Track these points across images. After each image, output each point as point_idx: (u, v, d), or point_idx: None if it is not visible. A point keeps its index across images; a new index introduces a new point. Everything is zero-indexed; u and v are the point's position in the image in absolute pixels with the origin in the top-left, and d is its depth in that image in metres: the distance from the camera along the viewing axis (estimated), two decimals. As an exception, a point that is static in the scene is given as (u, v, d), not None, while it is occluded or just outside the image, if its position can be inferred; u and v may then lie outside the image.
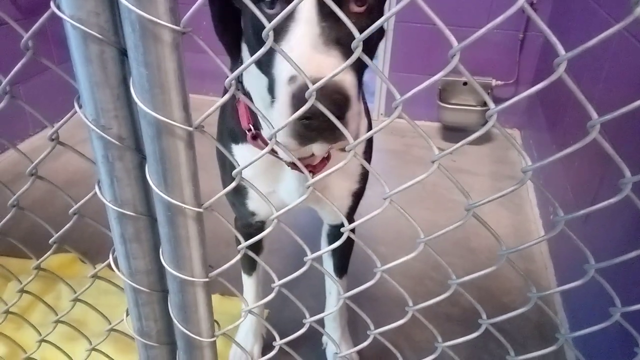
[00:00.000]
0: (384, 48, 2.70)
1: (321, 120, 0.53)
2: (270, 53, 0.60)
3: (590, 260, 0.45)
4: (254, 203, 1.03)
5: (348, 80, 0.56)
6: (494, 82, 2.62)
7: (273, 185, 0.97)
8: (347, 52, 0.58)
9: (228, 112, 0.96)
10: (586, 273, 0.46)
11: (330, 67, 0.55)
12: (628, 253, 0.43)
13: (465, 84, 2.68)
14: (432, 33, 2.58)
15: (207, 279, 0.55)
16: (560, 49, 0.34)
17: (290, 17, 0.59)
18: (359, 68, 0.66)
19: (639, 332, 0.49)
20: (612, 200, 0.39)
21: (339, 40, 0.57)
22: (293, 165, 0.89)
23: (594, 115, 0.37)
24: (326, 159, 0.89)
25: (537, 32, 2.50)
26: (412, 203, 2.14)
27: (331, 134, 0.57)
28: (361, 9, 0.64)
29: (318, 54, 0.56)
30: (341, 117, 0.55)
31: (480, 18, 2.48)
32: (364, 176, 1.04)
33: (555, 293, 1.64)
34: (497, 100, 2.68)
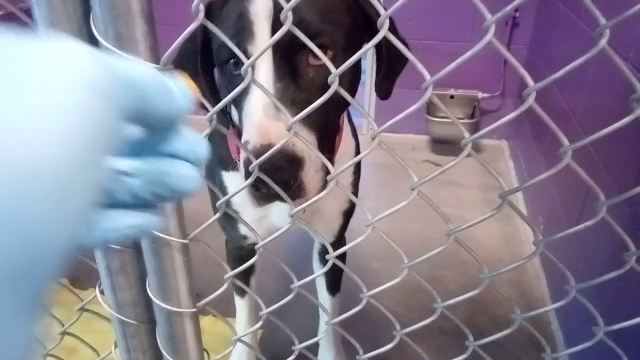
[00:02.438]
0: (372, 63, 2.73)
1: (270, 187, 0.52)
2: (241, 102, 0.62)
3: (571, 281, 0.46)
4: (245, 228, 1.03)
5: (298, 144, 0.57)
6: (480, 95, 2.65)
7: (264, 210, 0.97)
8: (306, 117, 0.59)
9: (217, 139, 0.96)
10: (567, 293, 0.46)
11: (276, 133, 0.55)
12: (616, 265, 0.44)
13: (452, 97, 2.71)
14: (419, 48, 2.61)
15: (194, 309, 0.55)
16: (529, 81, 0.35)
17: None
18: (335, 106, 0.66)
19: (629, 348, 0.50)
20: (588, 224, 0.40)
21: (294, 100, 0.57)
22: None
23: (565, 142, 0.38)
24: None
25: (520, 45, 2.54)
26: (403, 216, 2.14)
27: (292, 194, 0.57)
28: (320, 62, 0.62)
29: (267, 119, 0.57)
30: (294, 180, 0.56)
31: (464, 32, 2.52)
32: (355, 195, 1.05)
33: (547, 299, 1.65)
34: (484, 112, 2.71)
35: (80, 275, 1.62)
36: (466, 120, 2.63)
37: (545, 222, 1.87)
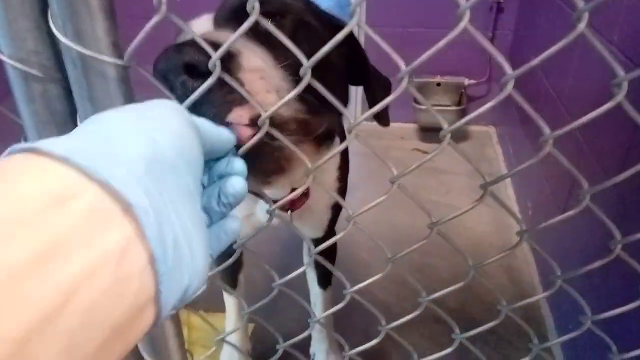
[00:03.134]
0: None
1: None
2: None
3: (557, 271, 0.45)
4: None
5: (245, 53, 0.48)
6: (466, 82, 2.64)
7: (251, 208, 0.96)
8: None
9: None
10: (553, 284, 0.46)
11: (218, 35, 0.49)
12: (602, 253, 0.43)
13: (438, 84, 2.70)
14: (403, 36, 2.59)
15: (174, 311, 0.53)
16: (507, 68, 0.34)
17: None
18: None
19: (616, 336, 0.49)
20: (570, 213, 0.39)
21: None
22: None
23: (546, 130, 0.37)
24: (305, 196, 0.88)
25: (506, 30, 2.53)
26: (391, 205, 2.12)
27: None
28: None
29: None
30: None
31: (448, 18, 2.50)
32: (342, 189, 1.04)
33: (539, 288, 1.66)
34: (471, 99, 2.71)
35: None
36: (453, 108, 2.63)
37: (534, 208, 1.87)
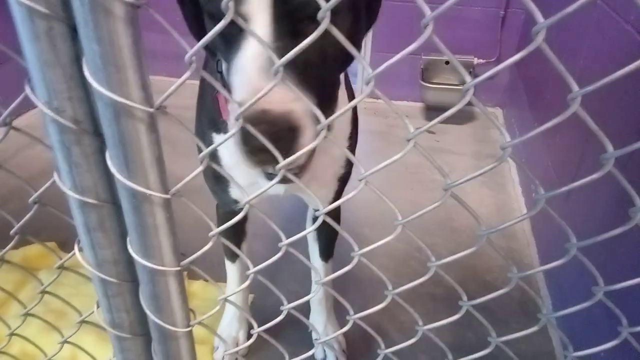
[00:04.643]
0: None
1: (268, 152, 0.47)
2: (232, 56, 0.56)
3: (572, 239, 0.44)
4: (236, 191, 1.01)
5: (298, 110, 0.51)
6: (475, 61, 2.60)
7: (255, 176, 0.95)
8: (304, 77, 0.53)
9: (208, 99, 0.92)
10: (568, 252, 0.44)
11: (277, 98, 0.49)
12: (611, 230, 0.42)
13: (447, 62, 2.65)
14: (413, 11, 2.54)
15: (178, 268, 0.53)
16: (539, 17, 0.32)
17: (243, 32, 0.54)
18: (334, 62, 0.61)
19: (622, 311, 0.48)
20: (594, 176, 0.38)
21: (296, 63, 0.45)
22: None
23: (575, 87, 0.35)
24: (309, 159, 0.87)
25: (518, 9, 2.48)
26: (395, 184, 2.13)
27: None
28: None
29: (264, 82, 0.50)
30: (291, 147, 0.51)
31: (461, -5, 2.45)
32: (349, 160, 1.02)
33: (538, 266, 1.65)
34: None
35: (67, 239, 1.60)
36: (461, 87, 2.59)
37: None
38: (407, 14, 2.55)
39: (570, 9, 0.31)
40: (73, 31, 0.41)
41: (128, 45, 0.39)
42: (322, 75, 0.58)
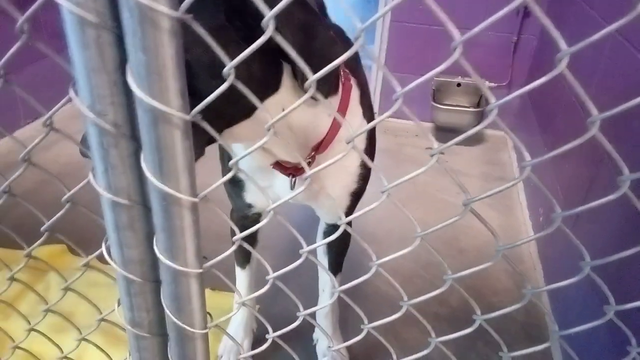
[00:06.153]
0: (379, 48, 2.70)
1: None
2: None
3: (586, 258, 0.45)
4: (251, 195, 1.03)
5: None
6: (487, 84, 2.63)
7: (270, 180, 0.97)
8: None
9: None
10: (580, 271, 0.46)
11: None
12: (616, 252, 0.43)
13: (459, 85, 2.69)
14: (428, 33, 2.58)
15: (200, 270, 0.54)
16: (563, 44, 0.34)
17: None
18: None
19: (630, 331, 0.50)
20: (611, 197, 0.39)
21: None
22: (275, 165, 0.90)
23: (594, 111, 0.37)
24: (309, 165, 0.88)
25: (530, 35, 2.52)
26: (403, 202, 2.15)
27: None
28: None
29: None
30: None
31: (476, 19, 2.48)
32: (364, 176, 1.02)
33: (544, 295, 1.65)
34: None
35: (80, 240, 1.62)
36: (472, 109, 2.62)
37: (546, 214, 1.87)
38: (420, 36, 2.60)
39: (594, 37, 0.33)
40: (119, 40, 0.43)
41: (171, 55, 0.41)
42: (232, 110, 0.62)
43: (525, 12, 2.45)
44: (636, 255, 0.43)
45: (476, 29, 0.35)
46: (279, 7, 0.37)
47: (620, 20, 0.32)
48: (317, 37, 0.65)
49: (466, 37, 0.35)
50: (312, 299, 1.44)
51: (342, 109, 0.88)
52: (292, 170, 0.90)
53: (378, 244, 1.87)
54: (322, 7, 1.07)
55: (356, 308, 0.56)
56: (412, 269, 1.75)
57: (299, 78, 0.70)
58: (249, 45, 0.40)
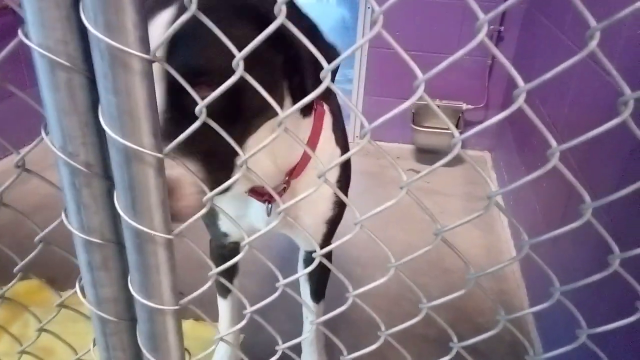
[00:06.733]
0: (359, 72, 2.75)
1: None
2: None
3: (555, 283, 0.46)
4: (225, 224, 1.03)
5: (174, 175, 0.58)
6: (464, 106, 2.69)
7: (243, 209, 0.97)
8: (188, 149, 0.59)
9: None
10: (552, 295, 0.47)
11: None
12: (596, 273, 0.44)
13: (438, 107, 2.74)
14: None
15: (177, 307, 0.54)
16: (520, 81, 0.36)
17: None
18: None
19: (606, 353, 0.50)
20: (573, 225, 0.41)
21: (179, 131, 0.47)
22: (250, 192, 0.90)
23: (553, 143, 0.38)
24: (283, 190, 0.89)
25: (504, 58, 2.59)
26: (387, 224, 2.16)
27: None
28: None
29: None
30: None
31: (450, 44, 2.55)
32: (339, 202, 1.02)
33: (527, 308, 1.66)
34: (468, 124, 2.75)
35: (57, 275, 1.59)
36: (450, 131, 2.66)
37: (527, 233, 1.89)
38: (398, 61, 2.65)
39: (549, 75, 0.34)
40: (91, 82, 0.44)
41: (143, 97, 0.42)
42: (211, 143, 0.61)
43: (499, 36, 2.53)
44: (610, 277, 0.44)
45: (440, 66, 0.37)
46: None
47: (578, 55, 0.34)
48: (319, 38, 0.71)
49: (427, 76, 0.37)
50: (299, 324, 1.43)
51: (315, 135, 0.89)
52: (268, 197, 0.90)
53: (363, 267, 1.87)
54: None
55: (334, 339, 0.56)
56: (398, 291, 1.75)
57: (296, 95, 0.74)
58: None
